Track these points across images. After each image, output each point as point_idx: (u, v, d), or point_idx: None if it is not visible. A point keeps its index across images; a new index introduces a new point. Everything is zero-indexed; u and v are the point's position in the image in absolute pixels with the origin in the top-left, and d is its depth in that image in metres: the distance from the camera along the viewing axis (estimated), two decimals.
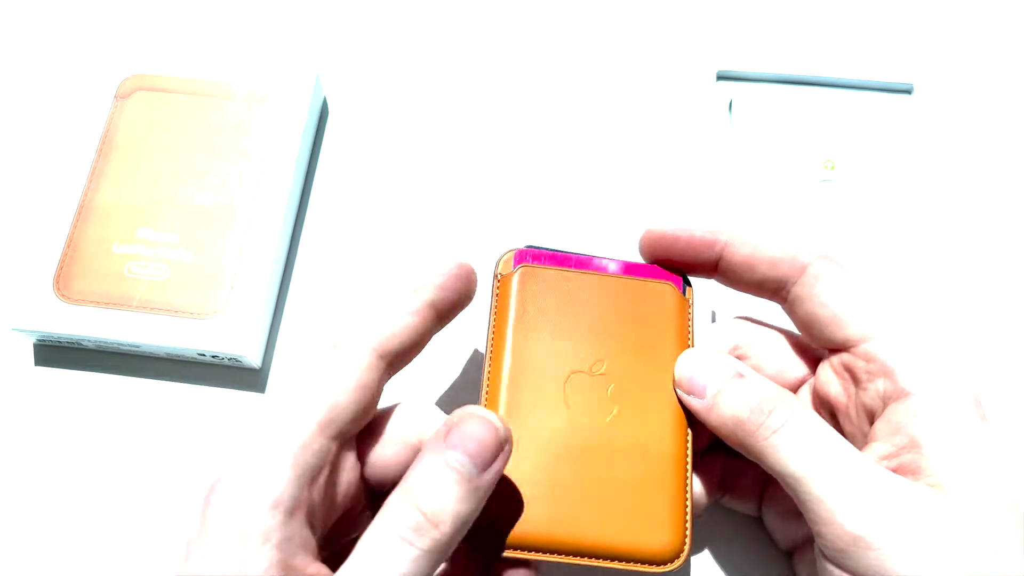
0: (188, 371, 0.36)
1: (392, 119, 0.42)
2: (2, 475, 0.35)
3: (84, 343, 0.36)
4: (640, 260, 0.31)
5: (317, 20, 0.44)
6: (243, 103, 0.39)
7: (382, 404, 0.28)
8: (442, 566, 0.26)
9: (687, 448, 0.28)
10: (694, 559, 0.33)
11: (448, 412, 0.26)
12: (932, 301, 0.37)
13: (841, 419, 0.28)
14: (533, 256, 0.30)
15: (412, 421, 0.28)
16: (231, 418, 0.36)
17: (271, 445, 0.24)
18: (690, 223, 0.30)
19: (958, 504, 0.24)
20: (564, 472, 0.27)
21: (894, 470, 0.25)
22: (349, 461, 0.27)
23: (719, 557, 0.33)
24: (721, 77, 0.42)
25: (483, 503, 0.24)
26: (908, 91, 0.41)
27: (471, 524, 0.24)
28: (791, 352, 0.30)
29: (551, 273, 0.30)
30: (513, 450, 0.25)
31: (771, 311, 0.30)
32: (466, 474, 0.23)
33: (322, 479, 0.25)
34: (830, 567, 0.25)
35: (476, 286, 0.30)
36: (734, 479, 0.31)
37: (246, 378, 0.36)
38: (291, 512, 0.24)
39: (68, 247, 0.36)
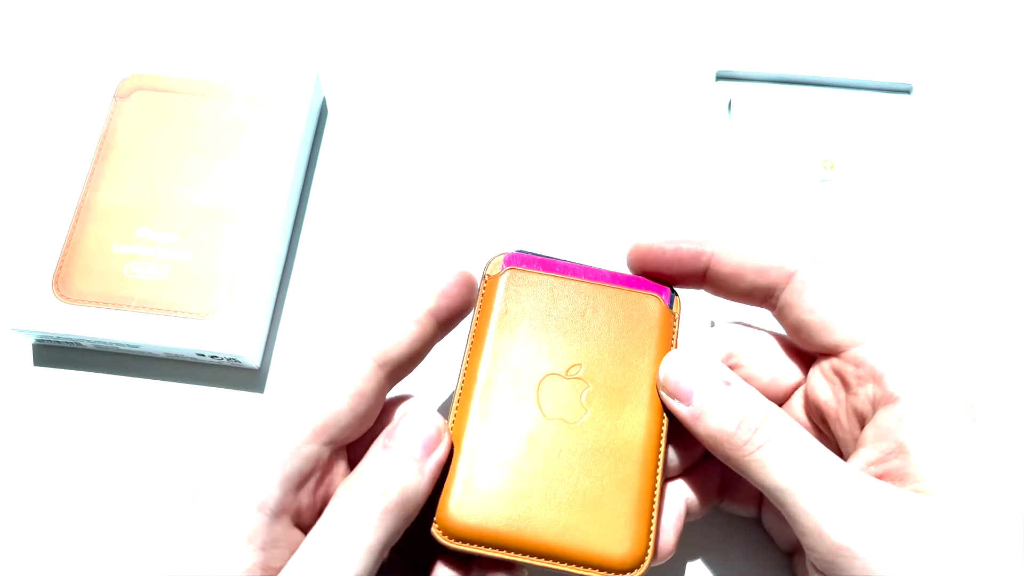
0: (187, 371, 0.36)
1: (391, 119, 0.42)
2: (2, 475, 0.35)
3: (83, 343, 0.36)
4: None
5: (317, 20, 0.44)
6: (242, 103, 0.39)
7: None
8: None
9: (659, 456, 0.28)
10: (694, 559, 0.33)
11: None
12: (930, 301, 0.37)
13: (832, 424, 0.28)
14: (522, 260, 0.30)
15: None
16: (230, 418, 0.36)
17: (261, 448, 0.25)
18: (676, 235, 0.30)
19: (944, 508, 0.23)
20: (528, 472, 0.27)
21: (881, 476, 0.25)
22: (342, 468, 0.27)
23: (719, 558, 0.33)
24: (720, 77, 0.42)
25: (430, 480, 0.25)
26: (907, 91, 0.41)
27: (422, 501, 0.25)
28: (785, 358, 0.30)
29: (537, 278, 0.30)
30: (479, 448, 0.27)
31: (768, 317, 0.30)
32: (406, 452, 0.25)
33: (312, 484, 0.25)
34: None
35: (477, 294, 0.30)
36: (733, 484, 0.31)
37: (245, 378, 0.36)
38: (277, 515, 0.24)
39: (67, 247, 0.36)
